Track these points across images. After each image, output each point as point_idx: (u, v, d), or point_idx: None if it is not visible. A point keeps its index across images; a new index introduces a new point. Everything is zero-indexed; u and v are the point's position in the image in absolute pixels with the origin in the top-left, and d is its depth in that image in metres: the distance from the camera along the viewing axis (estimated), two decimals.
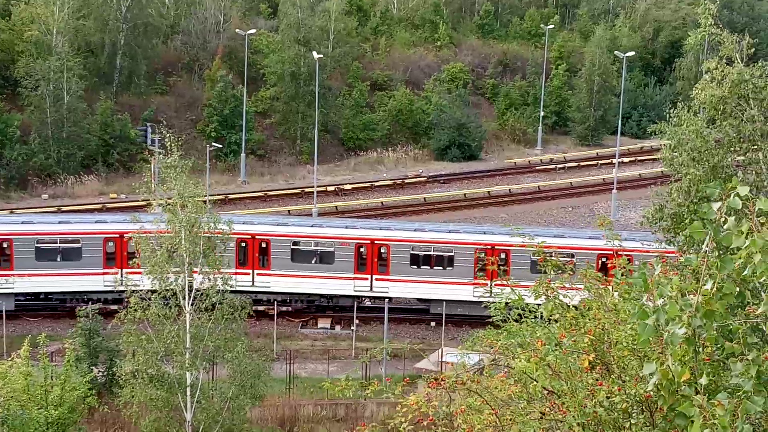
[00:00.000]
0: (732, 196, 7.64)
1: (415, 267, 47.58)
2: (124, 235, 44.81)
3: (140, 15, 75.13)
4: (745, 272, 7.67)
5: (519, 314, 11.26)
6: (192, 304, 29.46)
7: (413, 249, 47.38)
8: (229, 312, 29.52)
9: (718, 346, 8.65)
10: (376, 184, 70.71)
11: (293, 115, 75.84)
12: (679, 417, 8.33)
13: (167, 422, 29.16)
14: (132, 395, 28.80)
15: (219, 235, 30.62)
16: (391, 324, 45.75)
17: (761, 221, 7.89)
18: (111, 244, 46.47)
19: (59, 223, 48.39)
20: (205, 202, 31.34)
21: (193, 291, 29.61)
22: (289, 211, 62.88)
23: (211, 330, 29.26)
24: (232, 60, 79.03)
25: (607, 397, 8.99)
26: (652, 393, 8.38)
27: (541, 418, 9.26)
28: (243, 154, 71.17)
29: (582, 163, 78.80)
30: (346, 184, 70.24)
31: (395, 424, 10.27)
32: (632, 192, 70.38)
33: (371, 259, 47.40)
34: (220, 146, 69.12)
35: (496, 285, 44.60)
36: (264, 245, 47.72)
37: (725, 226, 7.81)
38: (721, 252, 8.06)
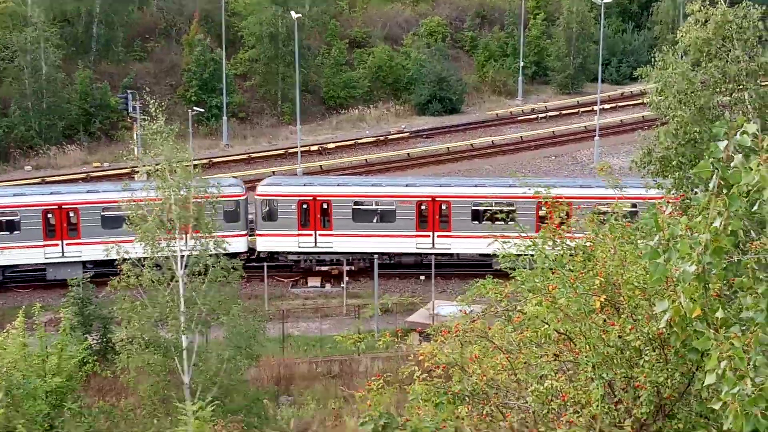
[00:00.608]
0: (740, 133, 7.74)
1: (476, 223, 47.52)
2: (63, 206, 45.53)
3: None
4: (755, 208, 7.78)
5: (530, 261, 11.38)
6: (185, 268, 29.52)
7: (474, 205, 47.18)
8: (222, 275, 29.60)
9: (727, 281, 8.79)
10: (359, 141, 70.59)
11: (273, 77, 75.49)
12: (691, 352, 8.50)
13: (165, 386, 29.33)
14: (129, 361, 28.92)
15: (209, 199, 30.61)
16: (381, 279, 45.94)
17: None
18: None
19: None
20: (195, 167, 31.17)
21: (185, 257, 29.62)
22: (273, 172, 62.76)
23: (205, 293, 29.36)
24: (209, 23, 78.46)
25: (619, 336, 9.14)
26: (664, 330, 8.52)
27: (555, 359, 9.41)
28: (224, 118, 70.90)
29: (563, 112, 78.81)
30: (329, 143, 70.10)
31: (408, 373, 10.41)
32: (614, 138, 70.52)
33: (432, 216, 47.43)
34: (202, 110, 68.83)
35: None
36: (325, 206, 48.02)
37: (733, 164, 7.90)
38: (725, 190, 8.14)
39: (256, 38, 75.30)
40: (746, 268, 8.61)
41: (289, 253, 48.75)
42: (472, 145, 69.98)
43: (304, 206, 47.96)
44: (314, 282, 48.71)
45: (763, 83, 24.63)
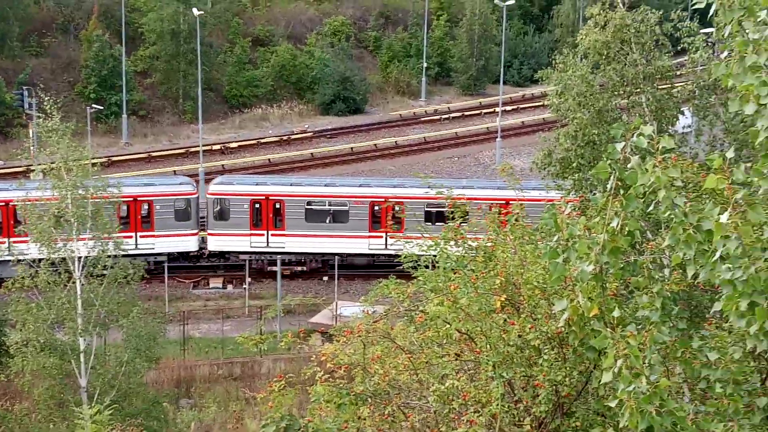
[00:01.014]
0: (637, 135, 7.87)
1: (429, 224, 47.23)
2: (10, 203, 43.86)
3: None
4: (650, 208, 7.92)
5: (433, 262, 11.41)
6: (82, 270, 28.95)
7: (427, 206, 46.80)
8: (122, 276, 29.13)
9: (624, 281, 8.95)
10: (262, 140, 70.13)
11: (175, 74, 74.52)
12: (589, 350, 8.61)
13: (61, 390, 28.75)
14: (24, 364, 28.23)
15: (108, 199, 30.06)
16: (284, 280, 45.73)
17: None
18: None
19: None
20: (94, 165, 30.54)
21: (83, 258, 29.04)
22: (174, 171, 61.95)
23: (103, 295, 28.84)
24: (108, 19, 77.06)
25: (519, 336, 9.21)
26: (563, 329, 8.63)
27: (456, 359, 9.44)
28: (124, 115, 69.71)
29: (466, 113, 79.51)
30: (231, 142, 69.48)
31: (311, 374, 10.34)
32: (516, 139, 71.42)
33: (386, 217, 47.11)
34: (101, 108, 67.55)
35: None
36: (278, 206, 47.60)
37: (629, 165, 8.04)
38: (622, 191, 8.27)
39: (157, 35, 74.23)
40: (642, 267, 8.77)
41: (240, 252, 48.27)
42: (375, 145, 70.12)
43: (257, 206, 47.58)
44: (216, 283, 48.23)
45: (659, 86, 25.16)
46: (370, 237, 47.63)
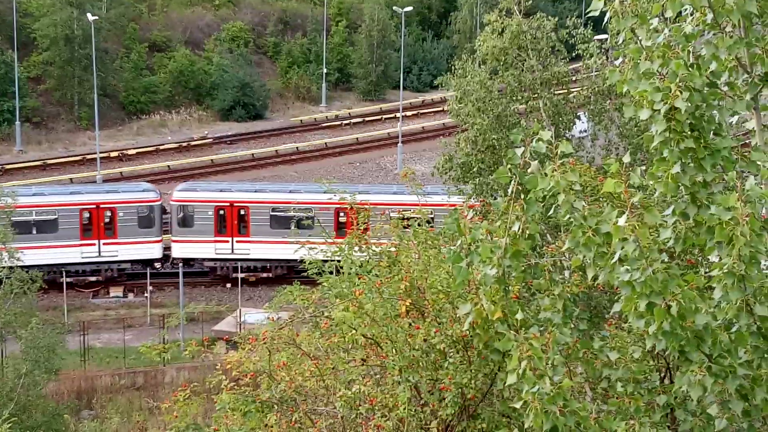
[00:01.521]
0: (536, 140, 8.02)
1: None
2: None
3: None
4: (550, 212, 8.08)
5: (337, 268, 11.45)
6: None
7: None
8: (18, 286, 28.53)
9: (526, 284, 9.11)
10: (161, 147, 69.23)
11: (69, 80, 73.07)
12: (493, 353, 8.75)
13: None
14: None
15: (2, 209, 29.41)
16: (186, 287, 45.24)
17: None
18: None
19: None
20: None
21: None
22: (71, 179, 60.80)
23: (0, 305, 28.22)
24: (0, 24, 75.17)
25: (425, 340, 9.31)
26: (468, 332, 8.74)
27: (362, 364, 9.49)
28: (18, 122, 68.08)
29: (367, 119, 79.76)
30: (129, 149, 68.47)
31: (216, 383, 10.28)
32: (417, 144, 71.94)
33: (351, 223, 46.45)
34: None
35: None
36: (243, 212, 47.03)
37: (529, 170, 8.20)
38: (523, 195, 8.42)
39: (50, 40, 72.65)
40: (543, 270, 8.96)
41: (205, 259, 47.68)
42: (276, 151, 69.89)
43: (221, 212, 47.04)
44: (117, 292, 47.48)
45: (556, 92, 25.67)
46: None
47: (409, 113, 78.82)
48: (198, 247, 47.38)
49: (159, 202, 48.02)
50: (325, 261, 11.94)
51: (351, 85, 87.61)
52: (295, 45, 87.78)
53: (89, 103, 68.65)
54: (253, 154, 68.66)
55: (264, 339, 10.04)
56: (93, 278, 46.93)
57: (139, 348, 12.27)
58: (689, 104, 7.41)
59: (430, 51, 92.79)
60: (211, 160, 66.91)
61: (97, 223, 46.45)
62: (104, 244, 46.48)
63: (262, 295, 46.76)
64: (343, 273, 11.55)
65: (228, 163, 66.87)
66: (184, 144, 70.19)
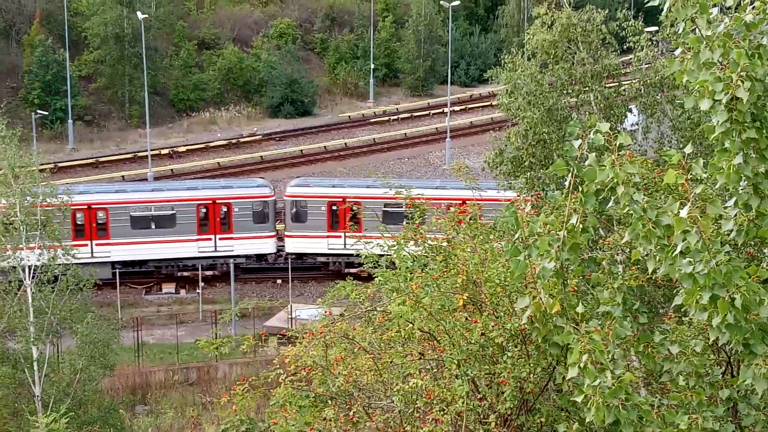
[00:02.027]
0: (593, 132, 7.97)
1: None
2: None
3: None
4: (609, 205, 8.02)
5: (392, 262, 11.46)
6: (33, 277, 28.63)
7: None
8: (74, 283, 28.84)
9: (583, 277, 9.06)
10: (211, 144, 69.78)
11: (120, 78, 73.86)
12: (552, 347, 8.72)
13: (16, 398, 28.42)
14: None
15: (56, 207, 29.78)
16: (237, 283, 45.57)
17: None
18: None
19: None
20: (41, 171, 30.19)
21: (33, 265, 28.71)
22: (123, 176, 61.49)
23: (55, 302, 28.54)
24: (51, 23, 76.12)
25: (482, 334, 9.29)
26: (526, 326, 8.71)
27: (420, 358, 9.50)
28: (70, 121, 68.97)
29: (415, 114, 79.73)
30: (179, 146, 69.04)
31: (274, 377, 10.34)
32: (465, 140, 71.75)
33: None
34: (45, 113, 66.81)
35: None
36: (355, 207, 47.18)
37: (587, 162, 8.14)
38: (580, 188, 8.37)
39: (101, 39, 73.47)
40: (600, 263, 8.89)
41: (318, 254, 48.09)
42: (325, 147, 70.07)
43: (334, 207, 47.31)
44: (169, 288, 47.90)
45: (607, 85, 25.44)
46: None
47: (457, 108, 78.64)
48: (311, 242, 47.76)
49: (273, 198, 48.62)
50: (381, 255, 11.95)
51: (398, 80, 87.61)
52: (342, 41, 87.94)
53: (139, 101, 69.34)
54: (301, 151, 68.93)
55: (321, 333, 10.08)
56: (209, 273, 47.64)
57: (196, 342, 12.36)
58: (751, 94, 7.31)
59: (478, 45, 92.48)
60: (261, 156, 67.26)
61: (214, 219, 47.15)
62: (220, 239, 47.19)
63: (312, 291, 46.96)
64: (397, 268, 11.57)
65: (277, 159, 67.18)
66: (233, 141, 70.63)
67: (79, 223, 45.63)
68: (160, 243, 46.34)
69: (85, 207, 45.41)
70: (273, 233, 48.33)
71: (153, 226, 46.84)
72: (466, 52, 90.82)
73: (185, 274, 47.80)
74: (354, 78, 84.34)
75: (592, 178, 8.03)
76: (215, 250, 47.31)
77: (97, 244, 45.88)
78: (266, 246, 48.12)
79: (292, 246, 48.25)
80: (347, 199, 47.48)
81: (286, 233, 48.42)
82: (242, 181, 53.51)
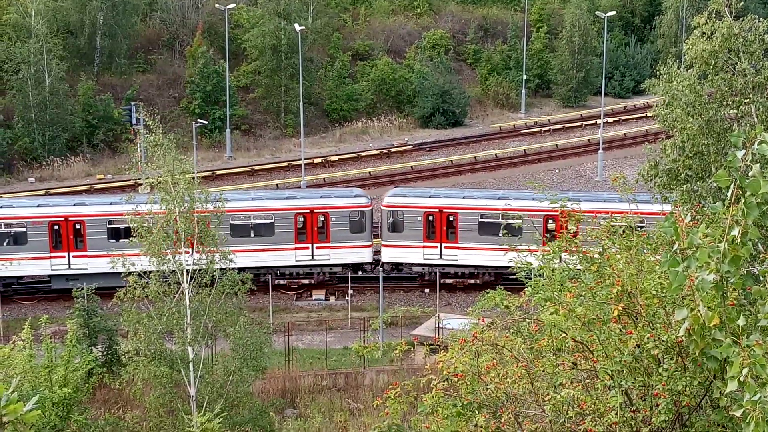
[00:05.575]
0: (758, 143, 7.77)
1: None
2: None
3: None
4: None
5: (544, 271, 11.42)
6: (191, 281, 29.48)
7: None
8: (230, 286, 29.57)
9: (744, 290, 8.83)
10: (363, 154, 70.70)
11: (276, 89, 75.67)
12: (710, 360, 8.52)
13: (172, 398, 29.29)
14: (135, 373, 28.92)
15: (212, 213, 30.59)
16: (385, 292, 45.93)
17: None
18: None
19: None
20: (193, 178, 30.97)
21: (190, 269, 29.55)
22: (277, 185, 62.90)
23: (211, 305, 29.33)
24: (212, 35, 78.68)
25: (638, 345, 9.16)
26: (683, 338, 8.55)
27: (573, 368, 9.43)
28: (228, 130, 71.03)
29: (567, 125, 78.95)
30: (332, 155, 70.20)
31: (426, 382, 10.43)
32: (618, 151, 70.64)
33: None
34: (205, 122, 68.95)
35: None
36: (451, 218, 48.04)
37: (751, 173, 7.94)
38: (743, 199, 8.17)
39: (258, 50, 75.48)
40: (761, 277, 8.65)
41: (413, 264, 48.75)
42: (475, 158, 70.08)
43: (430, 218, 47.93)
44: (319, 294, 48.68)
45: None
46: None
47: (610, 119, 77.50)
48: (407, 252, 47.96)
49: (370, 208, 48.83)
50: (534, 266, 11.92)
51: (551, 91, 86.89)
52: (495, 52, 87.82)
53: (294, 111, 70.85)
54: (452, 161, 69.10)
55: (472, 341, 10.12)
56: (306, 281, 48.37)
57: (352, 347, 12.56)
58: None
59: (633, 56, 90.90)
60: (411, 166, 67.74)
61: (311, 228, 47.80)
62: (317, 248, 47.79)
63: (460, 300, 46.96)
64: (547, 278, 11.51)
65: (427, 169, 67.53)
66: (385, 150, 71.35)
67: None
68: (258, 252, 46.97)
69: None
70: (369, 243, 48.39)
71: (252, 235, 47.55)
72: (621, 62, 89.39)
73: (281, 282, 48.23)
74: (506, 89, 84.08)
75: (755, 189, 7.83)
76: (312, 259, 47.61)
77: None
78: (363, 255, 48.21)
79: (389, 255, 48.29)
80: (443, 210, 47.28)
81: (383, 243, 48.45)
82: (340, 191, 53.79)
